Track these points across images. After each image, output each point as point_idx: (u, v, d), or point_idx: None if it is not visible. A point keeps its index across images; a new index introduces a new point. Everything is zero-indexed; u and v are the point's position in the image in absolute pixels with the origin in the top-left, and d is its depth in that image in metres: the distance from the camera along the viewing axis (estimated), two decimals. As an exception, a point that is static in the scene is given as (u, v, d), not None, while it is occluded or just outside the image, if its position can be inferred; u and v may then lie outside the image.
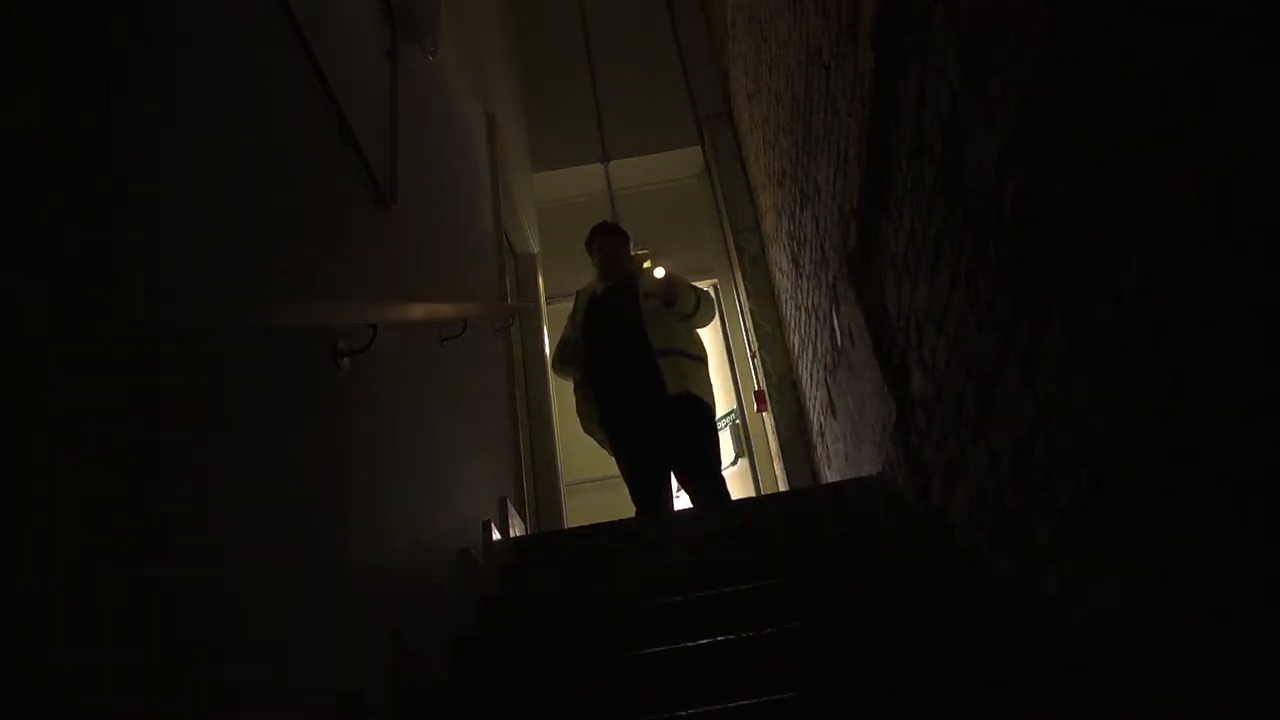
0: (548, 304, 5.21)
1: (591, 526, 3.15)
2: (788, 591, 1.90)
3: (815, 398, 4.06)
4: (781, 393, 4.86)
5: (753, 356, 5.19)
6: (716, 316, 4.19)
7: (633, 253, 4.10)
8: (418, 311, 2.07)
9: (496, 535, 2.61)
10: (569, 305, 4.03)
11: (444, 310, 2.39)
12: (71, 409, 0.84)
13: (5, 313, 0.72)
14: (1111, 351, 1.08)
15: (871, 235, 2.23)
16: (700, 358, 3.70)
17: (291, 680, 1.19)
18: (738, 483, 5.23)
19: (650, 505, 3.49)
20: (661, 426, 3.50)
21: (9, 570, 0.73)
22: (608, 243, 4.01)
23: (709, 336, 5.59)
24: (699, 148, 5.86)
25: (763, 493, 5.10)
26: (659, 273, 3.92)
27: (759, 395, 5.06)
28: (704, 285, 5.74)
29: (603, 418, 3.65)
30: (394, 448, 1.85)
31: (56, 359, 0.79)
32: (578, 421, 3.74)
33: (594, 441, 3.81)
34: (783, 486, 4.79)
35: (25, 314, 0.75)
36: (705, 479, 3.50)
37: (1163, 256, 0.94)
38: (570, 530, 3.48)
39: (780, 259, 4.48)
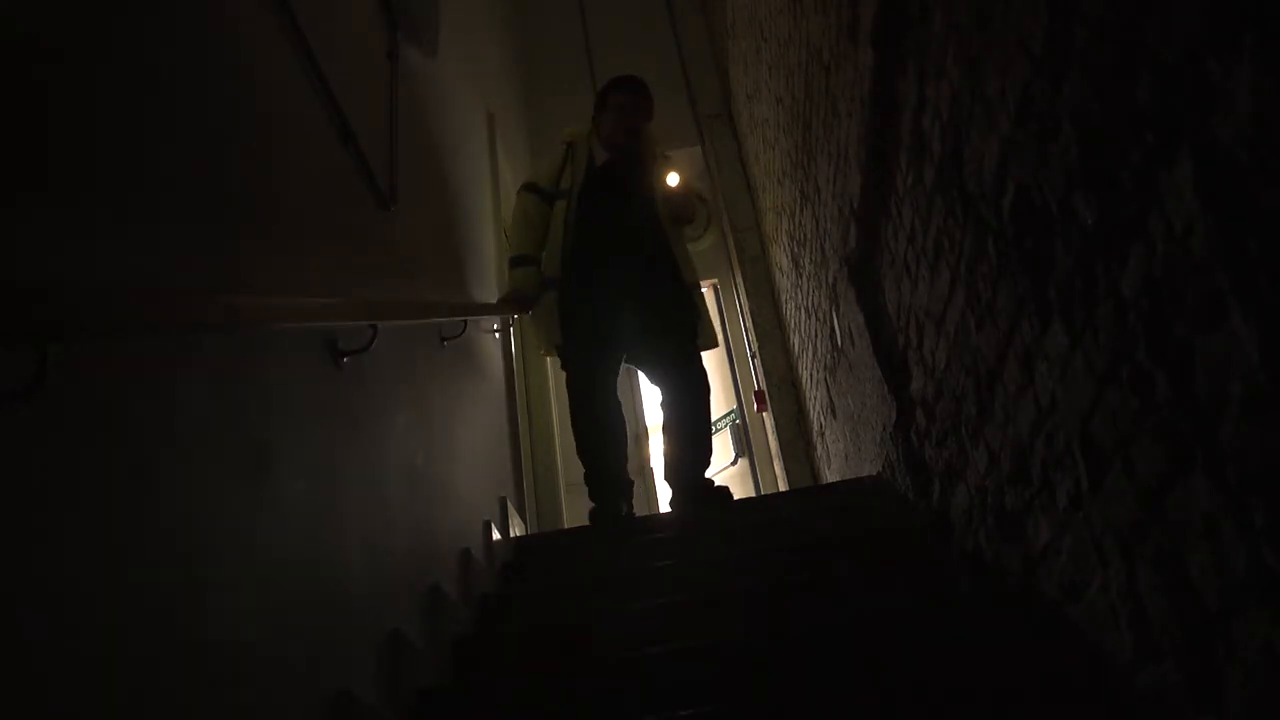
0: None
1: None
2: (788, 591, 1.90)
3: (815, 398, 4.06)
4: (781, 393, 4.86)
5: (753, 357, 5.19)
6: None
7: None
8: (418, 311, 2.07)
9: (496, 535, 2.61)
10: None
11: (444, 310, 2.39)
12: (71, 407, 0.84)
13: (5, 312, 0.72)
14: (1111, 351, 1.08)
15: (871, 235, 2.23)
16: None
17: (291, 679, 1.19)
18: (738, 483, 5.22)
19: (599, 404, 2.97)
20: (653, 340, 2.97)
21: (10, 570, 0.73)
22: (631, 106, 3.01)
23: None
24: (699, 148, 5.86)
25: (763, 492, 5.10)
26: (673, 179, 3.16)
27: (759, 395, 5.05)
28: (704, 285, 5.76)
29: (593, 324, 2.95)
30: (393, 448, 1.85)
31: (56, 358, 0.79)
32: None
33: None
34: (783, 486, 4.79)
35: (25, 313, 0.75)
36: (691, 355, 2.95)
37: (1163, 256, 0.94)
38: (571, 529, 3.48)
39: (780, 259, 4.47)
